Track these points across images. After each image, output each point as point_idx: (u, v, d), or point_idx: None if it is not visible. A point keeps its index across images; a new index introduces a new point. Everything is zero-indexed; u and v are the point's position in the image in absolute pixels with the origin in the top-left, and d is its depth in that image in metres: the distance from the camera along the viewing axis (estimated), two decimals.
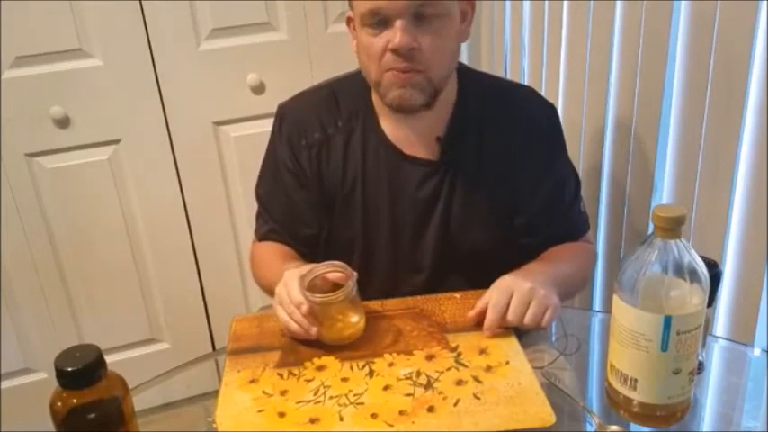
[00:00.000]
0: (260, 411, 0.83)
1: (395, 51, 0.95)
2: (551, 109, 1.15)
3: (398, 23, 0.94)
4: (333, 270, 0.97)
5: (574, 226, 1.16)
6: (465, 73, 1.11)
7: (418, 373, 0.88)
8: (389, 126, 1.08)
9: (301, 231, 1.15)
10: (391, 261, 1.12)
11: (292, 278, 0.95)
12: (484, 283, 1.00)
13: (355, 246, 1.12)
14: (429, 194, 1.08)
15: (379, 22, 0.96)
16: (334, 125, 1.10)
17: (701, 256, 0.75)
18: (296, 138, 1.10)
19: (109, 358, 0.70)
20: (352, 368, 0.90)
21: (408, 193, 1.09)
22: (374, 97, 1.08)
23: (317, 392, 0.86)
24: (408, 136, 1.08)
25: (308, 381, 0.88)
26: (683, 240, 0.74)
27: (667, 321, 0.73)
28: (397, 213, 1.10)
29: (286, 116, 1.13)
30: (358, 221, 1.10)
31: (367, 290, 1.10)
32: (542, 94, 1.48)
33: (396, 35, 0.94)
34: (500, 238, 1.11)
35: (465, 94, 1.09)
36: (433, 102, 1.01)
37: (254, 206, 1.25)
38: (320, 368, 0.90)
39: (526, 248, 1.10)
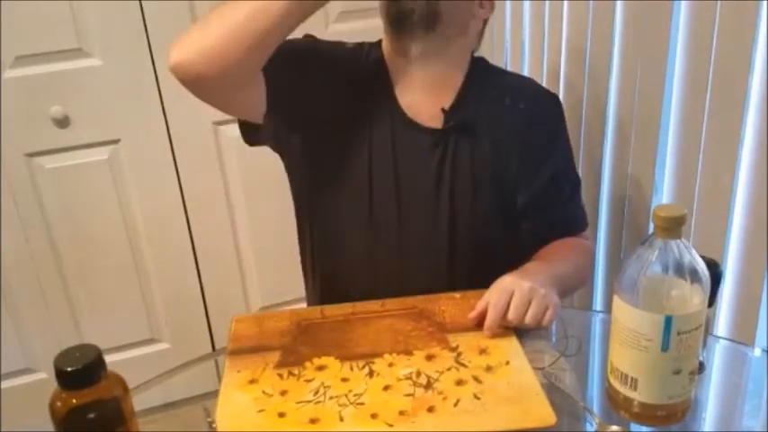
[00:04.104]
0: (260, 412, 0.83)
1: None
2: (554, 96, 1.18)
3: None
4: None
5: (573, 218, 1.18)
6: (476, 59, 1.15)
7: (418, 374, 0.88)
8: (401, 95, 1.10)
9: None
10: (398, 230, 1.12)
11: None
12: (482, 272, 1.00)
13: (362, 211, 1.12)
14: (435, 163, 1.10)
15: None
16: (357, 80, 1.11)
17: (702, 256, 0.75)
18: (325, 63, 1.10)
19: (109, 358, 0.69)
20: (351, 368, 0.90)
21: (414, 159, 1.10)
22: (391, 66, 1.11)
23: (316, 393, 0.85)
24: (418, 105, 1.10)
25: (308, 381, 0.88)
26: (683, 240, 0.74)
27: (668, 321, 0.73)
28: (402, 179, 1.11)
29: (322, 42, 1.13)
30: (365, 180, 1.11)
31: (376, 269, 1.12)
32: None
33: None
34: (500, 216, 1.12)
35: (474, 76, 1.12)
36: (430, 21, 1.02)
37: (254, 205, 1.25)
38: (320, 368, 0.90)
39: (526, 235, 1.12)
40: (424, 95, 1.10)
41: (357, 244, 1.14)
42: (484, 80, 1.13)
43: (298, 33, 1.02)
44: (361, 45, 1.15)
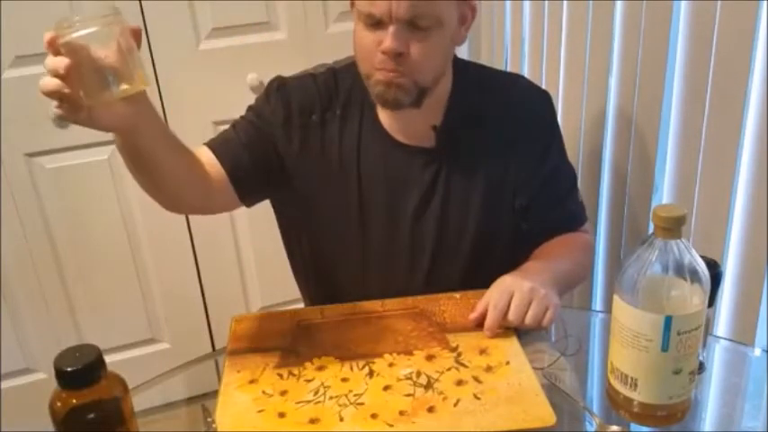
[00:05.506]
0: (260, 412, 0.83)
1: (384, 53, 0.97)
2: (545, 94, 1.16)
3: (391, 28, 0.95)
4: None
5: (572, 214, 1.18)
6: (459, 64, 1.12)
7: (418, 374, 0.88)
8: (386, 116, 1.09)
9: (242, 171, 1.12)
10: (390, 250, 1.12)
11: None
12: (484, 271, 1.00)
13: (353, 235, 1.11)
14: (427, 182, 1.09)
15: (375, 23, 0.97)
16: (333, 111, 1.10)
17: (702, 257, 0.75)
18: (292, 113, 1.10)
19: (108, 358, 0.70)
20: (352, 368, 0.90)
21: (406, 181, 1.09)
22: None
23: (316, 393, 0.85)
24: (405, 125, 1.09)
25: (308, 381, 0.88)
26: (683, 240, 0.74)
27: (668, 321, 0.73)
28: (395, 201, 1.10)
29: (283, 88, 1.12)
30: (354, 209, 1.10)
31: (368, 283, 1.11)
32: None
33: (387, 39, 0.96)
34: (499, 224, 1.12)
35: (460, 85, 1.10)
36: (420, 101, 1.02)
37: (254, 206, 1.24)
38: (320, 368, 0.90)
39: (526, 235, 1.12)
40: (411, 118, 1.07)
41: (350, 266, 1.14)
42: (471, 86, 1.11)
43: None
44: (333, 72, 1.12)
